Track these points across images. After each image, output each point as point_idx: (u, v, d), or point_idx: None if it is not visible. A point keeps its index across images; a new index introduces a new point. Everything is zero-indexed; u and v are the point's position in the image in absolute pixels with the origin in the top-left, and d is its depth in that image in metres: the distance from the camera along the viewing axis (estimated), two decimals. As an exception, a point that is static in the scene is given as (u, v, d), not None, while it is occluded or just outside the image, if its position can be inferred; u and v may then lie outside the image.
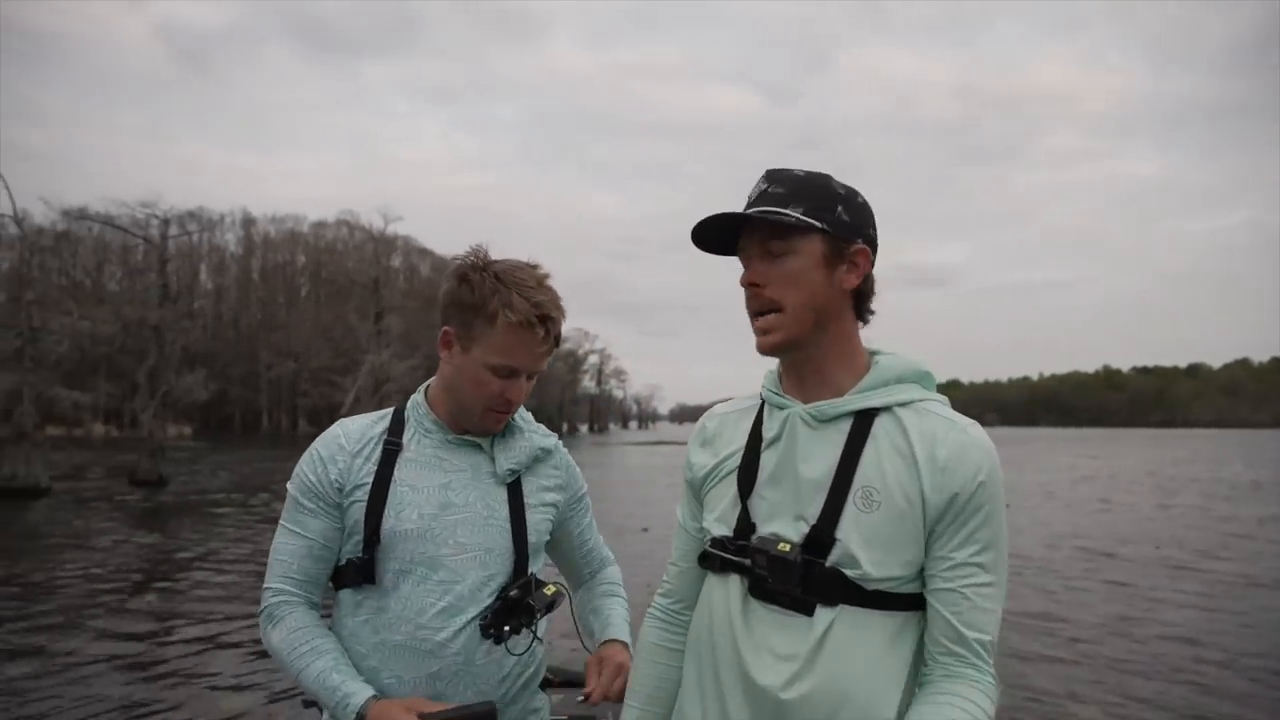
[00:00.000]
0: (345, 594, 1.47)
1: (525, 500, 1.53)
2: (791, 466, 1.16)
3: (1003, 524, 1.12)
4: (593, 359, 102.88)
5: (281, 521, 1.48)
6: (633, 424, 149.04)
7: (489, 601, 1.45)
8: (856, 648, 1.09)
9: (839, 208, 1.15)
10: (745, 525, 1.18)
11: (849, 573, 1.09)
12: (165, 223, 29.55)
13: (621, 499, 18.80)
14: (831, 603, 1.10)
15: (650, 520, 13.56)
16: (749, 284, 1.15)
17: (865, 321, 1.21)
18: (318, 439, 1.52)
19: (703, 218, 1.15)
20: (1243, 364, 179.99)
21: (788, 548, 1.11)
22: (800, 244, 1.13)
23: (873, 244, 1.18)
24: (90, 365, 46.99)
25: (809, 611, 1.11)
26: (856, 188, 1.20)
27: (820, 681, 1.09)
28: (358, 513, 1.44)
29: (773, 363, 1.26)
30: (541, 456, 1.58)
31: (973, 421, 1.15)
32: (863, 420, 1.14)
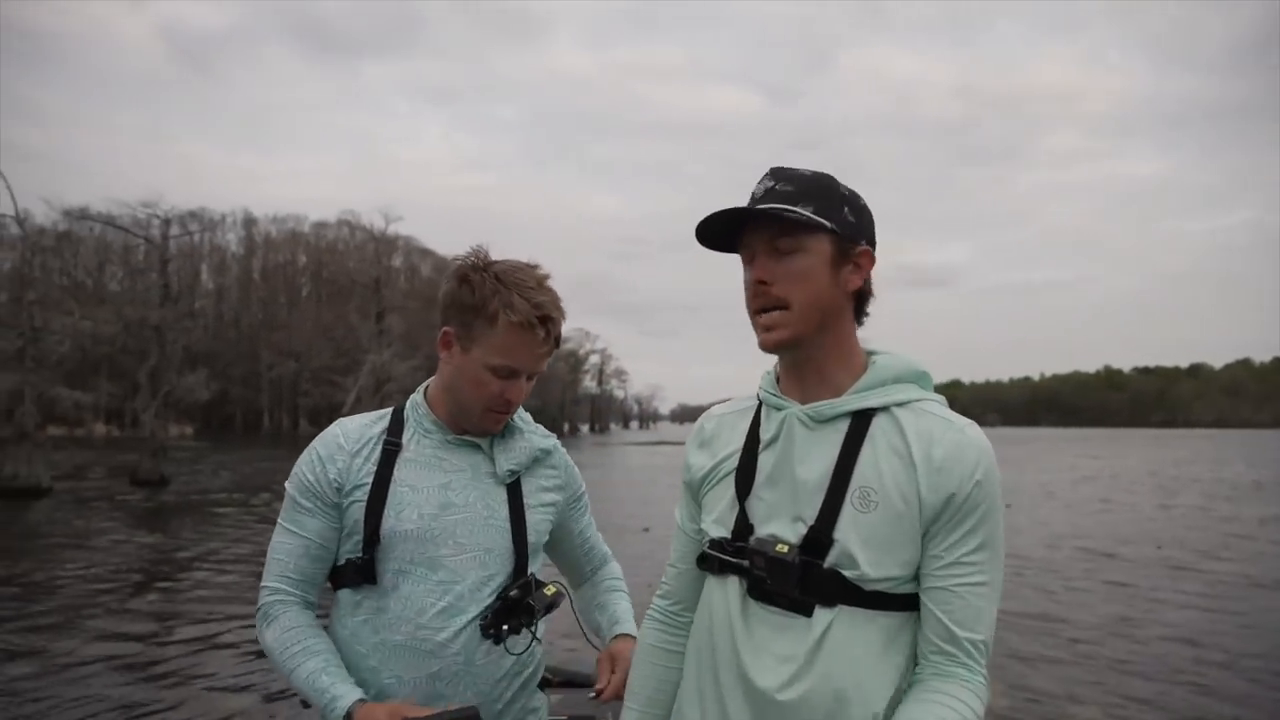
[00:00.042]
0: (344, 594, 1.47)
1: (525, 501, 1.53)
2: (789, 467, 1.16)
3: (999, 524, 1.12)
4: (594, 359, 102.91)
5: (279, 520, 1.48)
6: (634, 424, 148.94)
7: (489, 601, 1.45)
8: (855, 648, 1.09)
9: (845, 209, 1.16)
10: (743, 527, 1.18)
11: (847, 573, 1.09)
12: (166, 223, 29.61)
13: (623, 499, 18.80)
14: (830, 603, 1.10)
15: (651, 520, 13.56)
16: (757, 281, 1.14)
17: (860, 324, 1.22)
18: (316, 439, 1.52)
19: (712, 212, 1.15)
20: (1244, 364, 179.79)
21: (785, 549, 1.11)
22: (809, 243, 1.13)
23: (874, 247, 1.19)
24: (92, 365, 47.02)
25: (808, 612, 1.11)
26: (857, 188, 1.20)
27: (818, 682, 1.09)
28: (357, 513, 1.44)
29: (771, 362, 1.26)
30: (541, 457, 1.58)
31: (970, 421, 1.15)
32: (860, 421, 1.14)
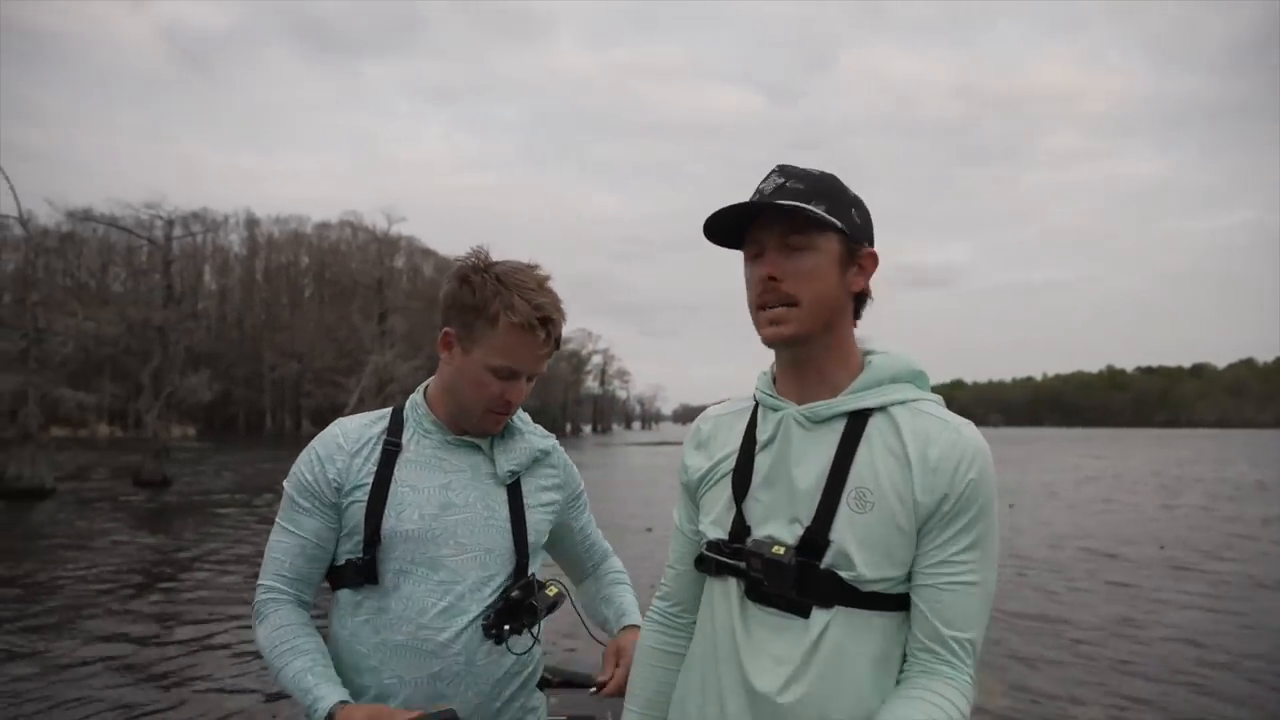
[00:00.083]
0: (344, 594, 1.48)
1: (525, 501, 1.54)
2: (785, 468, 1.16)
3: (993, 525, 1.12)
4: (596, 359, 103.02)
5: (277, 520, 1.49)
6: (636, 424, 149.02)
7: (490, 602, 1.45)
8: (852, 649, 1.10)
9: (852, 210, 1.16)
10: (740, 528, 1.18)
11: (844, 574, 1.09)
12: (169, 224, 29.66)
13: (625, 499, 18.81)
14: (827, 605, 1.10)
15: (654, 520, 13.57)
16: (767, 277, 1.13)
17: (854, 325, 1.22)
18: (315, 438, 1.52)
19: (728, 205, 1.14)
20: (1247, 364, 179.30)
21: (782, 550, 1.11)
22: (820, 241, 1.13)
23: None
24: (95, 366, 47.10)
25: (805, 614, 1.11)
26: (859, 188, 1.21)
27: (816, 684, 1.09)
28: (357, 513, 1.44)
29: (769, 362, 1.26)
30: (540, 457, 1.58)
31: (966, 421, 1.15)
32: (856, 421, 1.14)
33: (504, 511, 1.51)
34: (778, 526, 1.15)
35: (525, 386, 1.48)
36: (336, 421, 1.55)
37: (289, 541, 1.46)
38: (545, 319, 1.43)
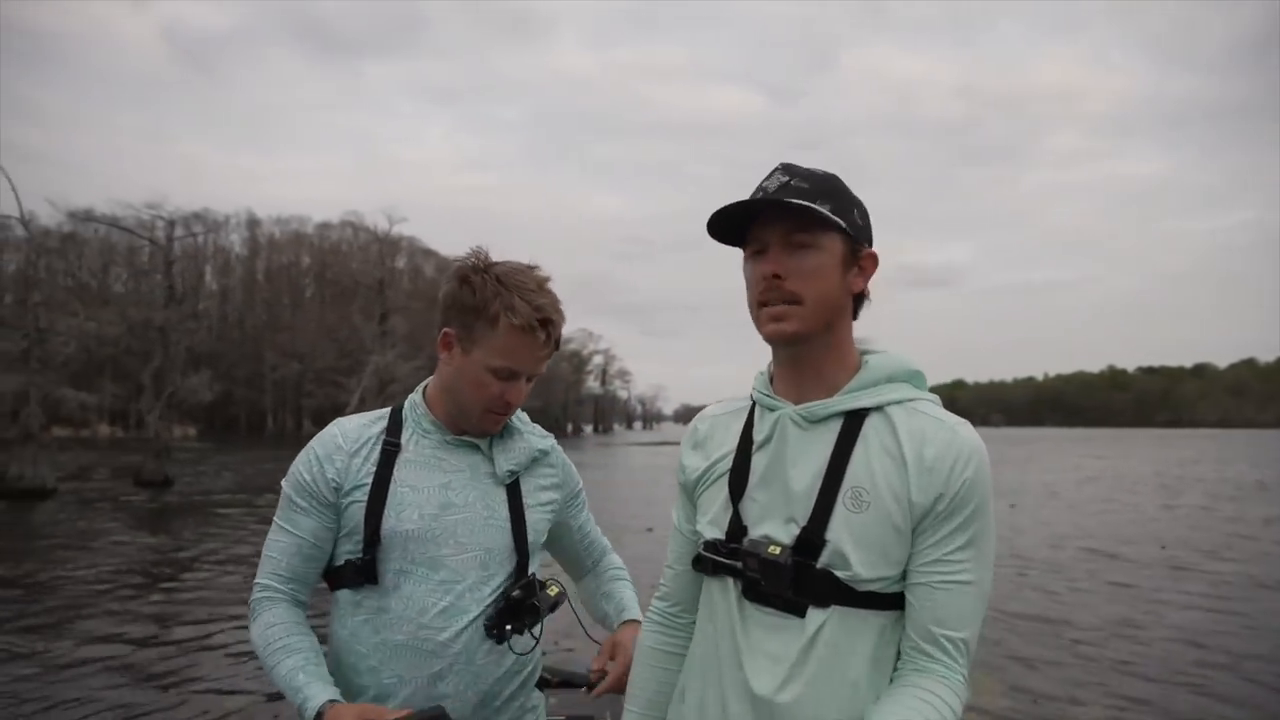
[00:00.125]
0: (344, 594, 1.48)
1: (524, 500, 1.54)
2: (781, 468, 1.16)
3: (988, 524, 1.12)
4: (597, 360, 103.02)
5: (275, 519, 1.49)
6: (637, 424, 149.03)
7: (490, 601, 1.46)
8: (848, 648, 1.10)
9: (855, 211, 1.16)
10: (737, 528, 1.18)
11: (840, 574, 1.10)
12: (170, 224, 29.72)
13: (626, 499, 18.81)
14: (823, 604, 1.10)
15: (655, 520, 13.56)
16: (772, 274, 1.12)
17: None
18: (314, 438, 1.52)
19: (735, 201, 1.14)
20: (1248, 364, 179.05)
21: (778, 550, 1.12)
22: (824, 240, 1.13)
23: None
24: (96, 366, 47.13)
25: (801, 613, 1.11)
26: (861, 188, 1.21)
27: (812, 683, 1.09)
28: (357, 513, 1.45)
29: (766, 362, 1.26)
30: (539, 457, 1.59)
31: (962, 420, 1.15)
32: (853, 420, 1.14)
33: (504, 511, 1.51)
34: (774, 526, 1.15)
35: (525, 387, 1.49)
36: (335, 421, 1.55)
37: (286, 541, 1.47)
38: (545, 320, 1.43)
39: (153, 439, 23.79)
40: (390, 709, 1.34)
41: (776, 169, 1.17)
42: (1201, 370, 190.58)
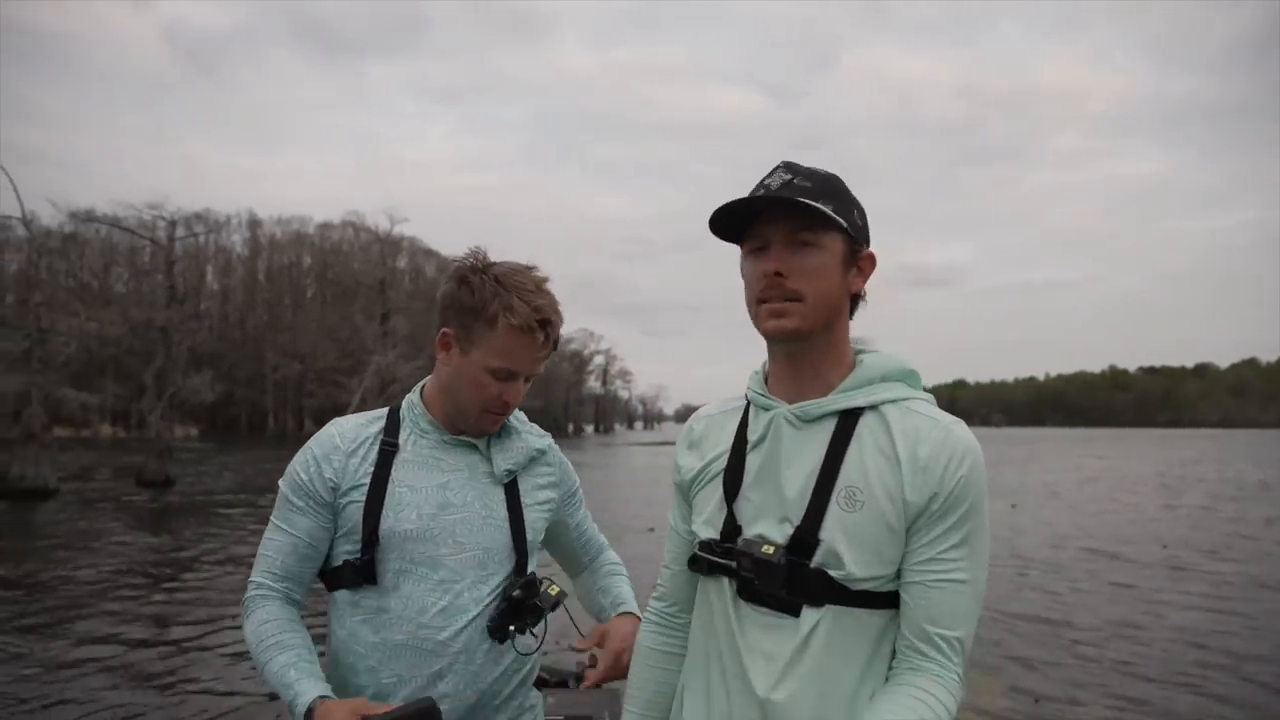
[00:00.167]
0: (342, 594, 1.48)
1: (522, 500, 1.54)
2: (775, 468, 1.16)
3: (983, 523, 1.12)
4: (598, 360, 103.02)
5: (272, 518, 1.50)
6: (638, 424, 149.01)
7: (489, 600, 1.46)
8: (843, 648, 1.10)
9: (855, 211, 1.17)
10: (731, 528, 1.18)
11: (833, 573, 1.10)
12: (172, 224, 29.80)
13: (627, 499, 18.82)
14: (817, 603, 1.10)
15: (655, 520, 13.58)
16: (774, 272, 1.12)
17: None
18: (312, 438, 1.52)
19: (741, 197, 1.14)
20: (1250, 364, 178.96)
21: (771, 550, 1.12)
22: (826, 240, 1.13)
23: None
24: (98, 366, 47.18)
25: (795, 613, 1.11)
26: (862, 188, 1.22)
27: (807, 682, 1.10)
28: (355, 513, 1.45)
29: (760, 361, 1.26)
30: (536, 456, 1.59)
31: (956, 419, 1.15)
32: (847, 420, 1.15)
33: (502, 511, 1.51)
34: (768, 526, 1.15)
35: (523, 387, 1.49)
36: (333, 421, 1.55)
37: (282, 540, 1.47)
38: (544, 321, 1.43)
39: (154, 439, 23.83)
40: (380, 703, 1.34)
41: (778, 167, 1.17)
42: (1203, 370, 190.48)
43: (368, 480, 1.45)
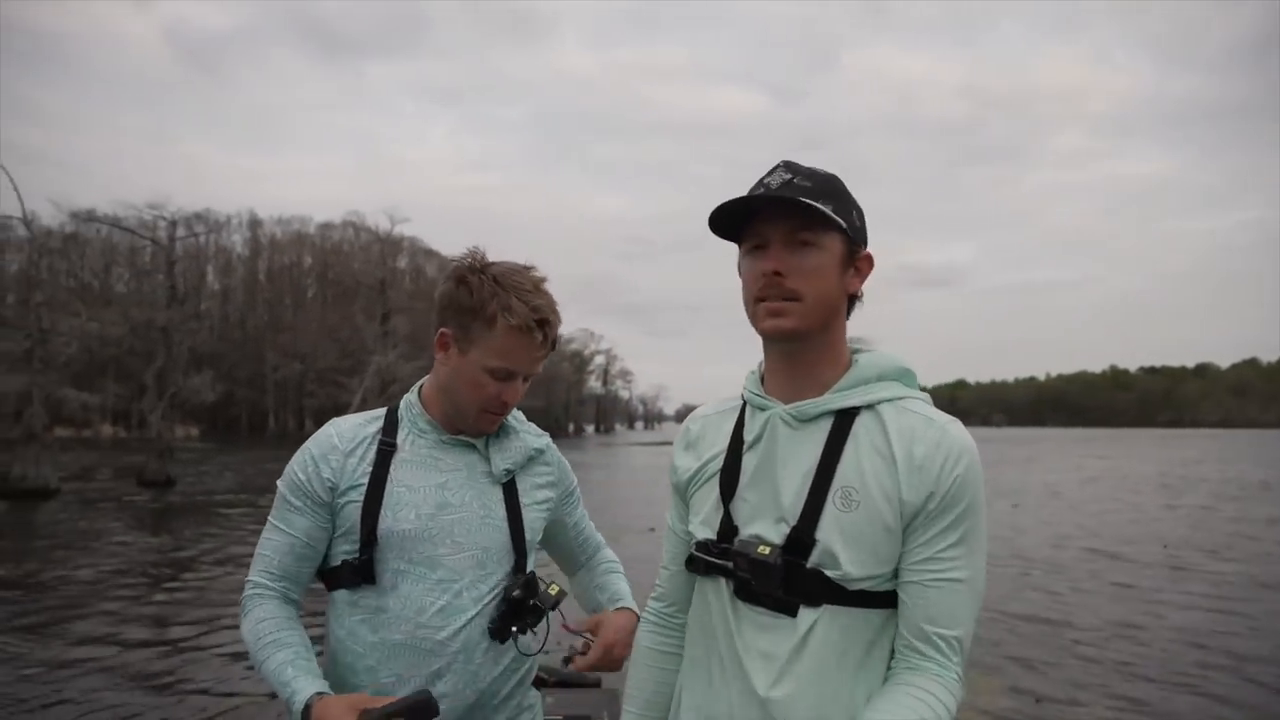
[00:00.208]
0: (340, 594, 1.48)
1: (520, 499, 1.54)
2: (771, 468, 1.16)
3: (979, 522, 1.12)
4: (599, 360, 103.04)
5: (270, 518, 1.50)
6: (639, 424, 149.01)
7: (488, 600, 1.46)
8: (841, 647, 1.10)
9: (853, 212, 1.17)
10: (728, 528, 1.18)
11: (830, 573, 1.10)
12: (172, 224, 29.82)
13: (629, 499, 18.82)
14: (814, 603, 1.10)
15: (656, 520, 13.58)
16: (773, 271, 1.12)
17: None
18: (311, 438, 1.52)
19: (744, 195, 1.14)
20: (1251, 364, 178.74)
21: (767, 550, 1.12)
22: (826, 240, 1.13)
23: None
24: (99, 366, 47.23)
25: (792, 613, 1.11)
26: (863, 189, 1.22)
27: (804, 681, 1.10)
28: (353, 513, 1.45)
29: (756, 361, 1.26)
30: (535, 456, 1.59)
31: (952, 418, 1.15)
32: (843, 419, 1.15)
33: (500, 510, 1.51)
34: (764, 526, 1.15)
35: (521, 387, 1.49)
36: (331, 421, 1.55)
37: (279, 539, 1.47)
38: (543, 321, 1.43)
39: (155, 439, 23.85)
40: (378, 696, 1.34)
41: (778, 166, 1.17)
42: (1204, 370, 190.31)
43: (366, 480, 1.46)
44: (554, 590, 1.51)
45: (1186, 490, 22.57)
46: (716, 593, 1.20)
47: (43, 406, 20.29)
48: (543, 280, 1.47)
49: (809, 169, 1.16)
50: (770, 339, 1.18)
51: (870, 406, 1.15)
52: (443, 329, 1.47)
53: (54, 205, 47.81)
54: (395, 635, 1.42)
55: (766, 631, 1.13)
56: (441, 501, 1.47)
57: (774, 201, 1.12)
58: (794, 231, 1.13)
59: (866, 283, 1.21)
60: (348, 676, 1.45)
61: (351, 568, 1.45)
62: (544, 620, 1.49)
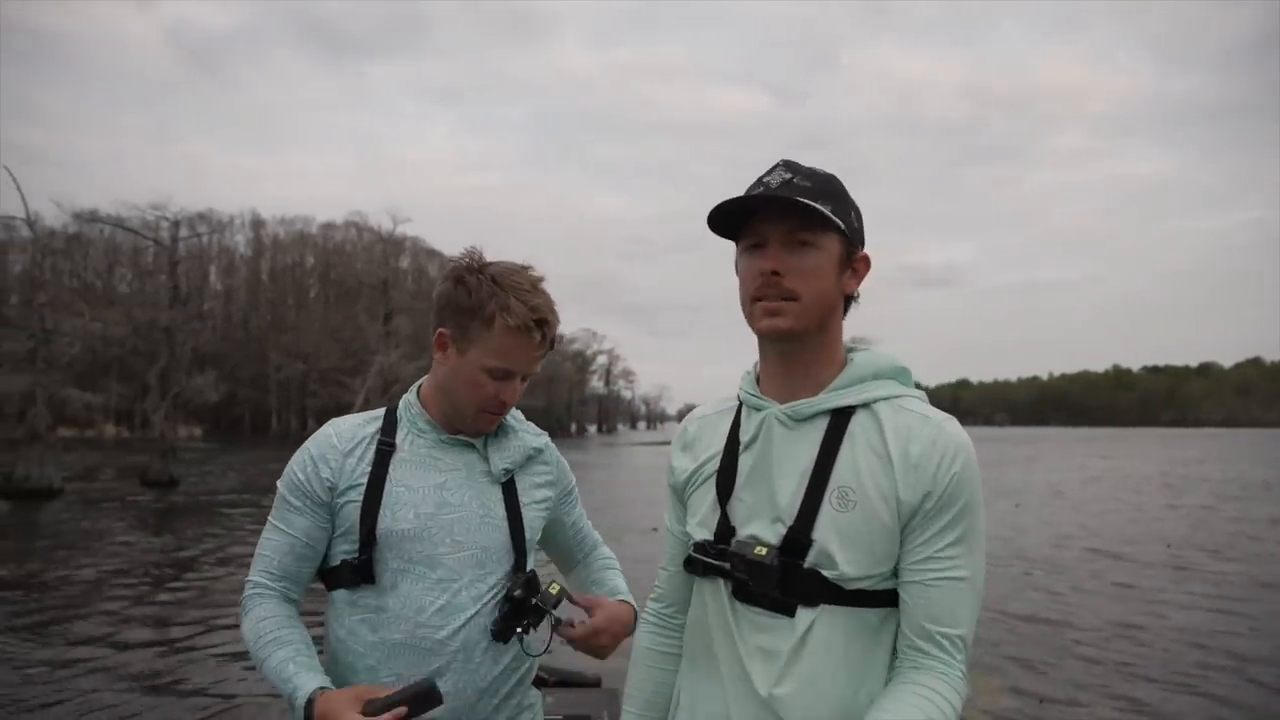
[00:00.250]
0: (340, 594, 1.48)
1: (519, 498, 1.55)
2: (767, 469, 1.16)
3: (978, 520, 1.12)
4: (601, 359, 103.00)
5: (269, 518, 1.50)
6: (641, 424, 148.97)
7: (488, 599, 1.46)
8: (838, 646, 1.10)
9: (852, 213, 1.17)
10: (725, 529, 1.18)
11: (827, 573, 1.10)
12: (175, 225, 29.83)
13: (633, 500, 18.82)
14: (812, 603, 1.10)
15: (658, 520, 13.53)
16: (771, 271, 1.12)
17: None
18: (310, 438, 1.53)
19: (736, 195, 1.14)
20: (1254, 363, 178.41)
21: (764, 551, 1.12)
22: (824, 240, 1.13)
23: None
24: (102, 367, 47.31)
25: (790, 613, 1.12)
26: (864, 189, 1.23)
27: (804, 681, 1.10)
28: (352, 513, 1.45)
29: (751, 361, 1.26)
30: (534, 455, 1.59)
31: (948, 416, 1.15)
32: (839, 418, 1.15)
33: (500, 510, 1.51)
34: (761, 527, 1.15)
35: (519, 386, 1.49)
36: (330, 421, 1.55)
37: (279, 540, 1.47)
38: (541, 320, 1.43)
39: (158, 439, 23.88)
40: (381, 686, 1.35)
41: (778, 165, 1.17)
42: (1207, 369, 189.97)
43: (365, 480, 1.46)
44: (555, 589, 1.51)
45: (1188, 490, 22.53)
46: (715, 593, 1.20)
47: (46, 407, 20.32)
48: (540, 280, 1.48)
49: (808, 169, 1.16)
50: (767, 339, 1.18)
51: (866, 405, 1.15)
52: (441, 329, 1.47)
53: (57, 206, 47.81)
54: (395, 635, 1.42)
55: (765, 632, 1.13)
56: (441, 501, 1.47)
57: (773, 201, 1.12)
58: (793, 231, 1.13)
59: (864, 283, 1.21)
60: (348, 676, 1.45)
61: (351, 567, 1.45)
62: (546, 620, 1.49)
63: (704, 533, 1.21)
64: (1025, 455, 42.13)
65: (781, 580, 1.10)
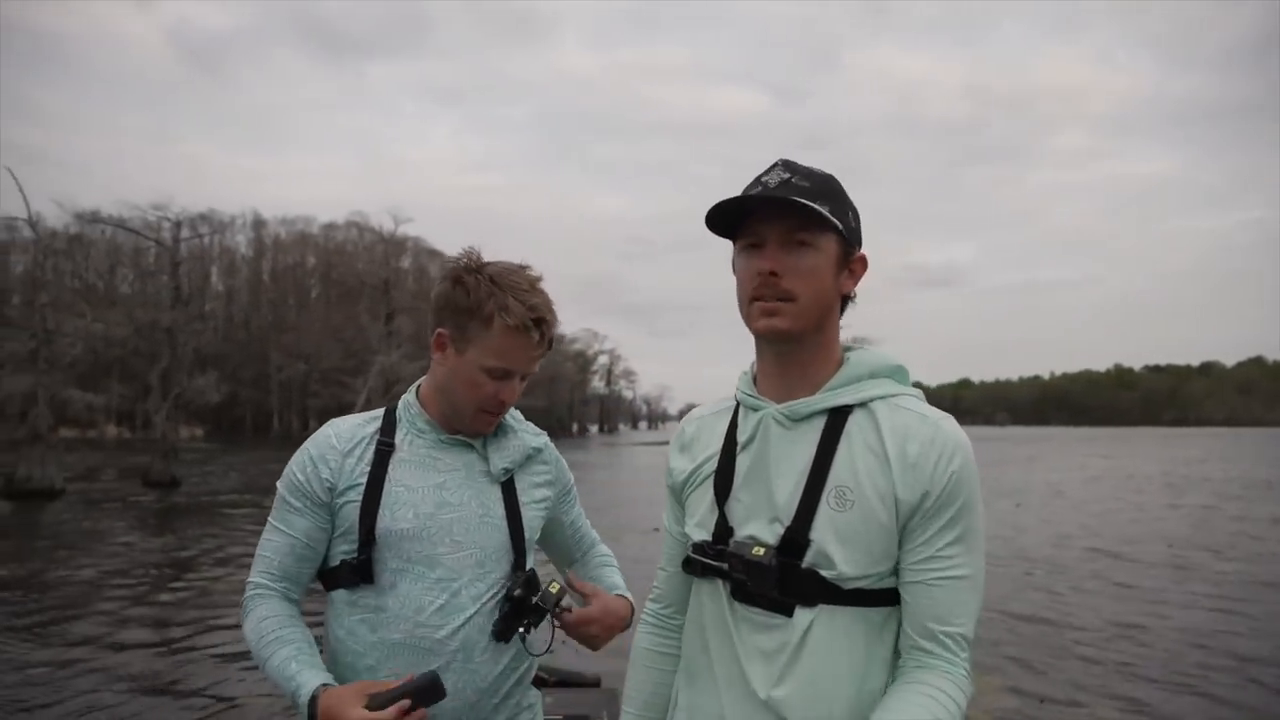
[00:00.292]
0: (340, 594, 1.48)
1: (519, 498, 1.55)
2: (764, 469, 1.16)
3: (977, 518, 1.12)
4: (602, 360, 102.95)
5: (269, 519, 1.50)
6: (642, 424, 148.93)
7: (487, 599, 1.46)
8: (837, 646, 1.10)
9: (849, 214, 1.17)
10: (723, 529, 1.18)
11: (825, 573, 1.10)
12: (177, 225, 29.85)
13: (634, 499, 18.82)
14: (810, 603, 1.11)
15: (659, 520, 13.53)
16: (769, 271, 1.12)
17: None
18: (309, 439, 1.53)
19: (735, 195, 1.14)
20: (1256, 362, 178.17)
21: (762, 552, 1.12)
22: (822, 241, 1.13)
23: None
24: (103, 367, 47.29)
25: (788, 613, 1.12)
26: (865, 189, 1.24)
27: (803, 681, 1.10)
28: (351, 513, 1.45)
29: (749, 362, 1.26)
30: (533, 455, 1.60)
31: (946, 415, 1.15)
32: (836, 418, 1.15)
33: (499, 509, 1.52)
34: (759, 527, 1.15)
35: (518, 386, 1.50)
36: (330, 422, 1.56)
37: (279, 540, 1.48)
38: (539, 320, 1.44)
39: (160, 440, 23.89)
40: (384, 680, 1.35)
41: (776, 164, 1.17)
42: (1209, 369, 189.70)
43: (364, 480, 1.46)
44: (555, 589, 1.51)
45: (1189, 489, 22.51)
46: (713, 594, 1.20)
47: (48, 407, 20.35)
48: (539, 279, 1.48)
49: (807, 168, 1.16)
50: (764, 339, 1.18)
51: (863, 404, 1.15)
52: (439, 329, 1.48)
53: (58, 206, 47.82)
54: (394, 634, 1.42)
55: (764, 632, 1.13)
56: (440, 501, 1.47)
57: (771, 201, 1.12)
58: (791, 231, 1.13)
59: (863, 283, 1.21)
60: (347, 676, 1.45)
61: (350, 567, 1.45)
62: (546, 619, 1.49)
63: (702, 533, 1.21)
64: (1026, 455, 42.10)
65: (780, 580, 1.10)
